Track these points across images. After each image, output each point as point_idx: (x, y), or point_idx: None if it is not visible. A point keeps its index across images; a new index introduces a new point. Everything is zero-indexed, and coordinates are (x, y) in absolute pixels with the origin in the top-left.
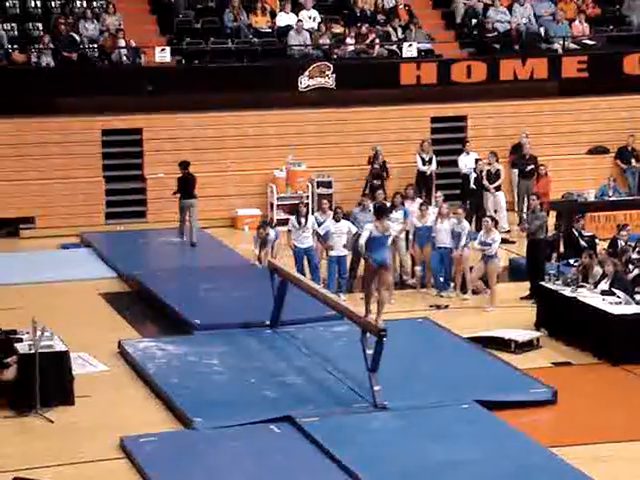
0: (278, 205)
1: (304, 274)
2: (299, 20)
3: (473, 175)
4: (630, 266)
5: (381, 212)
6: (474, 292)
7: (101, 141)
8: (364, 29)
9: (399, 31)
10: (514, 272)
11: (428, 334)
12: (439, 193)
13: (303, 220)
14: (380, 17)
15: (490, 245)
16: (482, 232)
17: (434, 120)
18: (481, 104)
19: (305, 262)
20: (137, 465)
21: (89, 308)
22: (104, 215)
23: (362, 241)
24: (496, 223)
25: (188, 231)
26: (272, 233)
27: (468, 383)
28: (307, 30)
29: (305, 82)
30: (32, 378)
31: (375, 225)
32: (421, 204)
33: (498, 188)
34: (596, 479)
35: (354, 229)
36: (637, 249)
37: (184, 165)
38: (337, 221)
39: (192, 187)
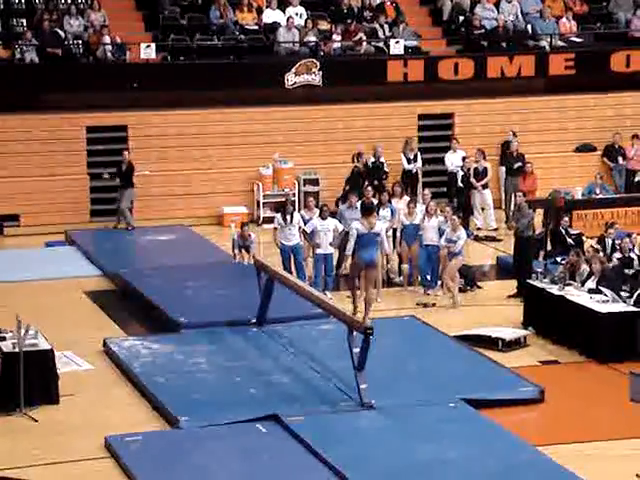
0: (264, 203)
1: (291, 272)
2: (290, 17)
3: (460, 173)
4: (615, 255)
5: (367, 210)
6: (460, 290)
7: (86, 138)
8: (352, 26)
9: (386, 28)
10: (501, 270)
11: (415, 332)
12: (427, 191)
13: (289, 217)
14: (367, 14)
15: (455, 242)
16: (448, 229)
17: (421, 117)
18: (468, 101)
19: (292, 260)
20: (122, 464)
21: (74, 306)
22: (89, 213)
23: (351, 242)
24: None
25: (126, 216)
26: (253, 234)
27: (455, 381)
28: (295, 27)
29: (292, 79)
30: (16, 377)
31: (361, 222)
32: (409, 202)
33: (485, 186)
34: (583, 477)
35: (340, 227)
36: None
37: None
38: (323, 219)
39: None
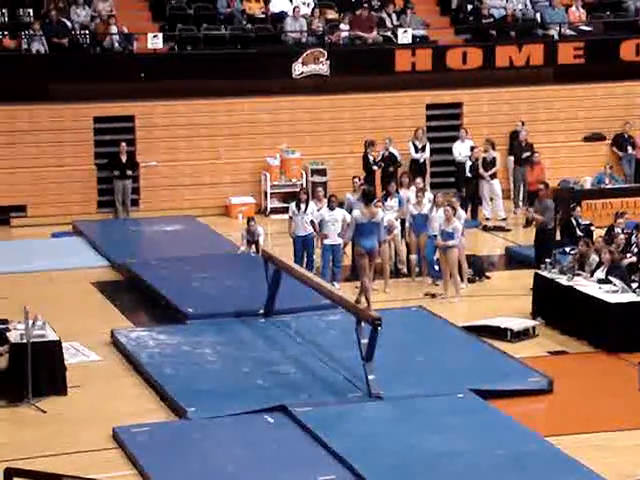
0: (272, 193)
1: (302, 262)
2: (296, 7)
3: (468, 163)
4: (628, 255)
5: (367, 198)
6: (469, 280)
7: (93, 128)
8: (365, 15)
9: (394, 17)
10: (510, 260)
11: (423, 323)
12: (419, 180)
13: (303, 206)
14: (375, 3)
15: (451, 234)
16: (442, 221)
17: (429, 107)
18: (477, 91)
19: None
20: (130, 455)
21: (81, 297)
22: (96, 203)
23: (349, 231)
24: (455, 211)
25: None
26: (260, 228)
27: (463, 372)
28: (302, 16)
29: (299, 69)
30: (24, 368)
31: (362, 211)
32: (417, 191)
33: (494, 176)
34: (592, 468)
35: (349, 217)
36: (634, 240)
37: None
38: (331, 209)
39: None
